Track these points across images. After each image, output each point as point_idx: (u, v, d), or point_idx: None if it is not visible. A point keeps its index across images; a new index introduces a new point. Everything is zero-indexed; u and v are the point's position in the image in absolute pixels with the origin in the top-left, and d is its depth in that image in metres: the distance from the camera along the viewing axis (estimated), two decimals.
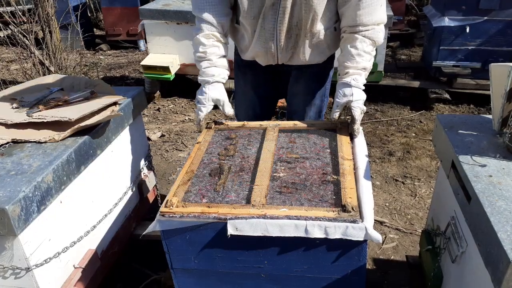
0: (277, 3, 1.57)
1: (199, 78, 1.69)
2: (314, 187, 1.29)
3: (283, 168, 1.41)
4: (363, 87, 1.62)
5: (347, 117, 1.69)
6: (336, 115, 1.61)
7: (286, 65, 1.81)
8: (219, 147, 1.56)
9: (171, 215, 1.21)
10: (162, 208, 1.23)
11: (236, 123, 1.73)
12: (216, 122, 1.74)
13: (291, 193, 1.27)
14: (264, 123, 1.70)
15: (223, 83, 1.71)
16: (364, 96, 1.60)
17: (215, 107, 1.69)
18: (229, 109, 1.68)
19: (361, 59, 1.58)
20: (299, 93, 1.90)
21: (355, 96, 1.57)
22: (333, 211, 1.16)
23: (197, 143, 1.60)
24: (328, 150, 1.50)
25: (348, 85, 1.58)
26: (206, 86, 1.66)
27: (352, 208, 1.15)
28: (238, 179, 1.36)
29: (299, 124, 1.68)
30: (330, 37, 1.70)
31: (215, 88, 1.66)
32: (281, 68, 1.83)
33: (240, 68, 1.96)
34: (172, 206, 1.22)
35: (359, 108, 1.58)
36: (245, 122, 1.72)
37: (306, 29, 1.64)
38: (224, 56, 1.73)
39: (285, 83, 1.94)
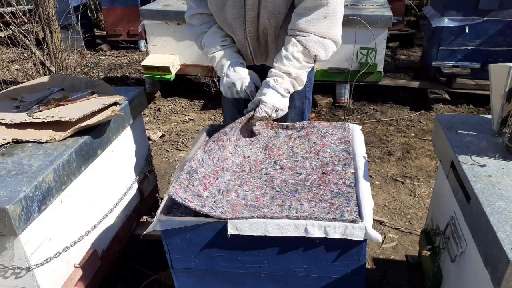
0: (242, 16, 1.58)
1: (224, 61, 1.64)
2: (314, 187, 1.30)
3: (283, 168, 1.41)
4: (285, 93, 1.55)
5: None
6: (246, 111, 1.56)
7: (265, 65, 1.80)
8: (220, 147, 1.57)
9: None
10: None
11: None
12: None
13: (291, 193, 1.27)
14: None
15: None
16: (278, 103, 1.52)
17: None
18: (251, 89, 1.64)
19: (288, 63, 1.53)
20: None
21: (267, 97, 1.51)
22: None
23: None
24: (328, 150, 1.50)
25: (267, 84, 1.54)
26: (235, 67, 1.62)
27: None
28: (239, 178, 1.37)
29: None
30: None
31: (241, 68, 1.63)
32: (261, 68, 1.83)
33: None
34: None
35: (263, 111, 1.51)
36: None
37: (272, 36, 1.65)
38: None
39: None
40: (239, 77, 1.60)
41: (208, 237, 1.22)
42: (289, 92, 1.57)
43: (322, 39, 1.53)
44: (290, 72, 1.54)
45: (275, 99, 1.53)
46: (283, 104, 1.56)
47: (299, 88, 1.61)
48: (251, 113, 1.52)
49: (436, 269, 1.43)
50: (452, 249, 1.32)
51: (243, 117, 1.52)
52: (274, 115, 1.55)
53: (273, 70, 1.56)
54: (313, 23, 1.50)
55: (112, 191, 1.86)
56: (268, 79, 1.56)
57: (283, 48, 1.57)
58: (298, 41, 1.53)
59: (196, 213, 1.21)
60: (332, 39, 1.55)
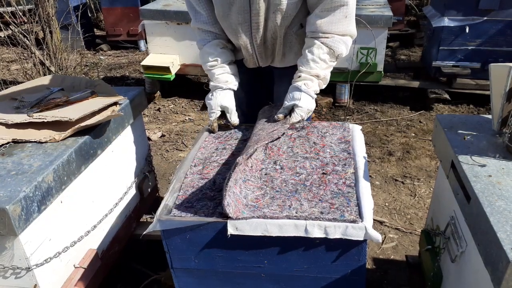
0: (247, 21, 1.59)
1: (211, 83, 1.70)
2: (314, 187, 1.29)
3: (283, 168, 1.41)
4: (314, 96, 1.61)
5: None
6: (280, 116, 1.61)
7: (272, 66, 1.83)
8: (221, 147, 1.56)
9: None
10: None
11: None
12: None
13: (291, 193, 1.27)
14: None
15: (234, 90, 1.72)
16: (311, 106, 1.60)
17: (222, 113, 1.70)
18: (235, 118, 1.69)
19: (315, 65, 1.57)
20: (283, 92, 1.91)
21: (302, 102, 1.58)
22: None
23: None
24: (329, 150, 1.50)
25: (298, 89, 1.58)
26: (218, 91, 1.68)
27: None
28: (243, 172, 1.36)
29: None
30: (300, 36, 1.70)
31: (226, 95, 1.68)
32: (266, 69, 1.85)
33: None
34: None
35: (299, 115, 1.59)
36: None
37: (281, 38, 1.66)
38: (234, 62, 1.74)
39: (270, 82, 1.95)
40: (214, 103, 1.66)
41: (208, 237, 1.22)
42: (317, 92, 1.62)
43: (343, 37, 1.57)
44: (319, 74, 1.59)
45: (308, 102, 1.59)
46: (313, 106, 1.62)
47: (324, 86, 1.66)
48: (288, 118, 1.59)
49: (436, 269, 1.43)
50: (452, 249, 1.32)
51: (286, 126, 1.56)
52: (305, 117, 1.61)
53: (301, 74, 1.59)
54: (335, 24, 1.54)
55: (112, 191, 1.86)
56: (298, 83, 1.59)
57: (306, 51, 1.59)
58: (322, 43, 1.55)
59: (196, 213, 1.22)
60: (351, 35, 1.59)
